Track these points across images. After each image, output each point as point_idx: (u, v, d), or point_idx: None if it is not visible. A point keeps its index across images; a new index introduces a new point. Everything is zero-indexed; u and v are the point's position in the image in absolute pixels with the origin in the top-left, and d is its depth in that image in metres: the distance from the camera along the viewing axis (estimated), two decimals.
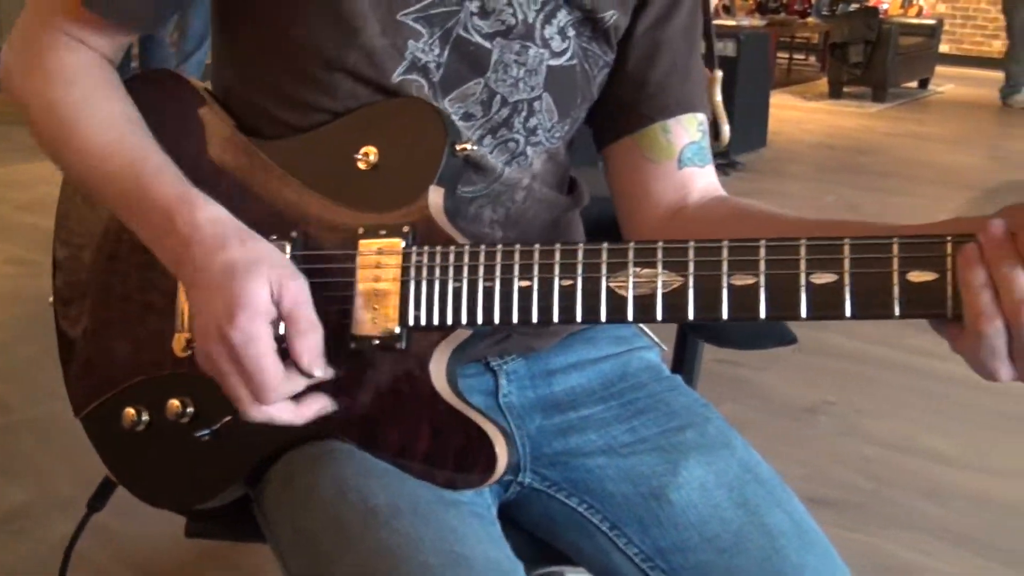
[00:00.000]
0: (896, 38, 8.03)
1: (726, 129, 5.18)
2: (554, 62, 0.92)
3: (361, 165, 0.83)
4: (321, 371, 0.79)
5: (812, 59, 10.23)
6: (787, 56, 10.08)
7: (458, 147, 0.83)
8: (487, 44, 0.89)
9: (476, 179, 0.91)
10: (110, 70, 0.92)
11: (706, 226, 0.95)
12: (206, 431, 0.84)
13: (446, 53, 0.88)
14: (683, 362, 1.31)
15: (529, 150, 0.94)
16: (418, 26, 0.86)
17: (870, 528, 2.14)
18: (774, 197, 4.97)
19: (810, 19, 9.59)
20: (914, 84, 8.88)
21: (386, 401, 0.80)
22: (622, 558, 0.92)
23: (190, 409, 0.87)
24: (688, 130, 0.97)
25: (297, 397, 0.80)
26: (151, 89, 0.94)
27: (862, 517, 2.18)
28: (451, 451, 0.79)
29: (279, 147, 0.88)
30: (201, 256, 0.79)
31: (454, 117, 0.89)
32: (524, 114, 0.92)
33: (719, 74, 5.15)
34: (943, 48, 10.03)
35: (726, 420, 1.03)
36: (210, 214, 0.81)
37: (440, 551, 0.75)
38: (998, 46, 10.67)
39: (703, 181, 0.99)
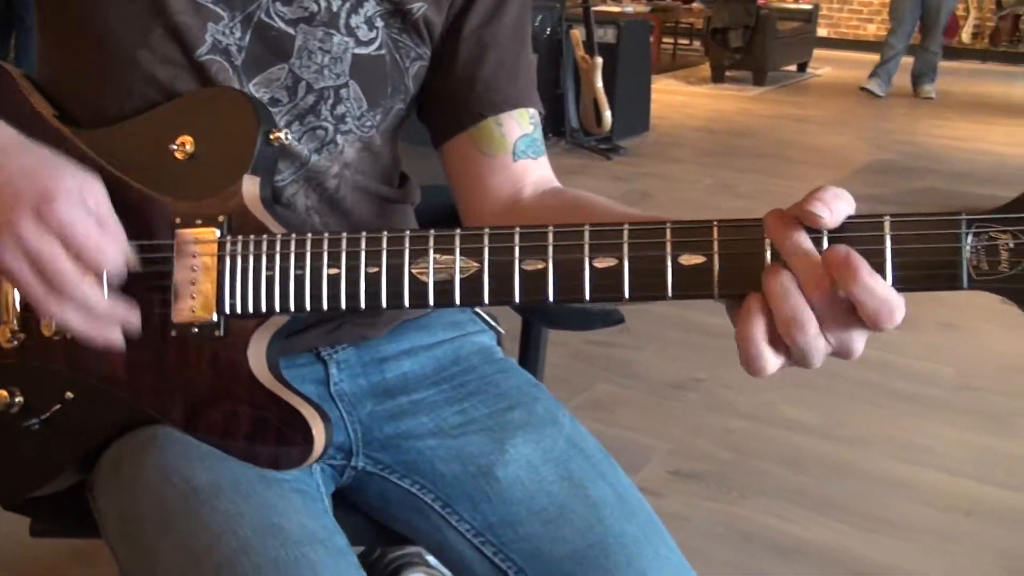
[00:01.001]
0: (774, 23, 8.25)
1: (607, 115, 5.29)
2: (360, 51, 0.94)
3: (178, 155, 0.85)
4: (120, 267, 0.80)
5: (697, 44, 10.43)
6: (672, 42, 10.26)
7: (272, 136, 0.86)
8: (290, 30, 0.91)
9: (283, 166, 0.93)
10: None
11: (539, 217, 0.99)
12: (35, 420, 0.85)
13: (247, 37, 0.90)
14: (527, 345, 1.36)
15: (339, 138, 0.96)
16: (218, 9, 0.89)
17: (732, 496, 2.24)
18: (655, 180, 5.09)
19: (695, 4, 9.79)
20: (793, 67, 9.13)
21: (207, 386, 0.83)
22: (455, 534, 0.96)
23: (19, 399, 0.87)
24: (520, 123, 1.00)
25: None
26: None
27: (724, 487, 2.28)
28: (270, 433, 0.82)
29: (97, 136, 0.89)
30: (11, 156, 0.80)
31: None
32: (331, 101, 0.94)
33: (599, 61, 5.25)
34: (821, 32, 10.33)
35: (555, 399, 1.08)
36: (7, 132, 0.83)
37: (257, 524, 0.78)
38: (873, 29, 11.05)
39: (537, 173, 1.02)
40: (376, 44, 0.95)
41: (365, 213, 1.00)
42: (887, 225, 0.67)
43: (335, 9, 0.93)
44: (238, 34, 0.89)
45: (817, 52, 9.44)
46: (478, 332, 1.12)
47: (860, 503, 2.22)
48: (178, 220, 0.84)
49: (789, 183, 5.12)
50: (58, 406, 0.85)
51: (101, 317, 0.79)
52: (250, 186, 0.84)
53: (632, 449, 2.43)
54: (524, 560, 0.93)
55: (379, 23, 0.95)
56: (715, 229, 0.71)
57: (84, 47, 0.92)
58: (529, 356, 1.35)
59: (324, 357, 1.01)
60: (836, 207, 0.67)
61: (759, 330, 0.68)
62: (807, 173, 5.39)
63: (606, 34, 5.54)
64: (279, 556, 0.77)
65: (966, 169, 5.60)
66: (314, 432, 0.81)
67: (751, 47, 8.15)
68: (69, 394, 0.87)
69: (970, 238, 0.66)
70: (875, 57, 8.22)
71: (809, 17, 9.19)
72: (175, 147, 0.85)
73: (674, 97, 7.75)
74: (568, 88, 5.43)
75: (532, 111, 1.02)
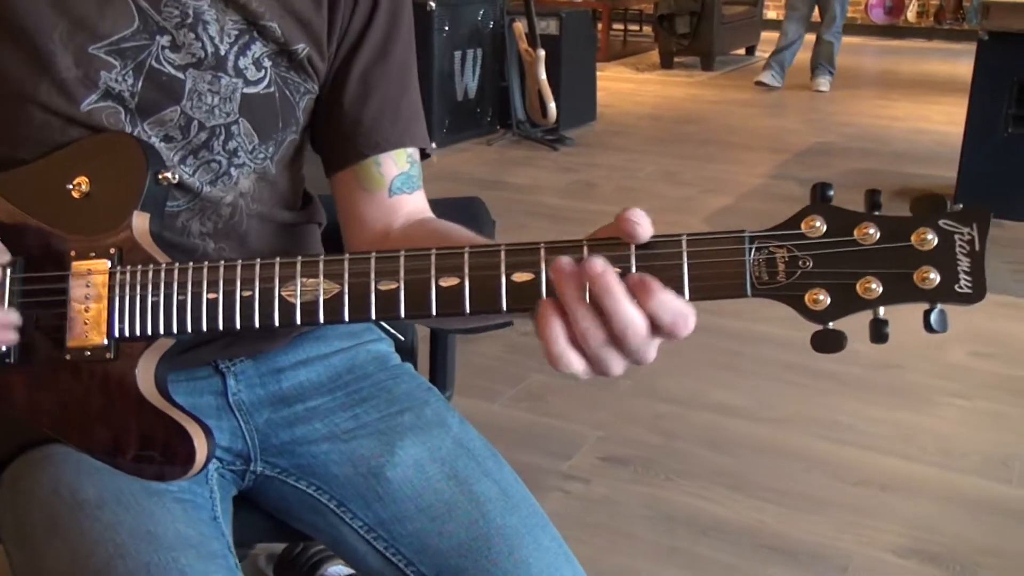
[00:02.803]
0: (720, 8, 8.37)
1: (552, 107, 5.37)
2: (249, 90, 1.02)
3: (75, 194, 0.93)
4: None
5: (648, 30, 10.53)
6: (622, 28, 10.36)
7: (160, 176, 0.94)
8: (180, 75, 0.99)
9: (178, 195, 1.01)
10: None
11: (406, 245, 1.07)
12: None
13: (140, 83, 0.97)
14: (435, 348, 1.44)
15: (233, 170, 1.04)
16: (110, 58, 0.96)
17: (658, 480, 2.33)
18: (599, 170, 5.18)
19: None
20: (742, 51, 9.25)
21: (100, 406, 0.90)
22: (349, 531, 1.05)
23: None
24: (398, 163, 1.09)
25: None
26: None
27: (651, 471, 2.37)
28: (157, 448, 0.90)
29: (2, 179, 0.97)
30: None
31: (154, 139, 0.98)
32: (222, 137, 1.02)
33: (542, 53, 5.33)
34: (770, 14, 10.46)
35: (445, 402, 1.16)
36: None
37: (133, 532, 0.86)
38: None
39: (410, 206, 1.10)
40: (265, 83, 1.03)
41: (263, 238, 1.08)
42: (684, 243, 0.76)
43: (223, 53, 1.00)
44: (131, 80, 0.97)
45: (765, 35, 9.57)
46: (374, 340, 1.20)
47: (779, 481, 2.32)
48: (73, 253, 0.91)
49: (730, 168, 5.25)
50: None
51: None
52: (140, 221, 0.92)
53: (564, 437, 2.53)
54: (413, 553, 1.02)
55: (267, 63, 1.03)
56: (541, 250, 0.79)
57: None
58: (438, 359, 1.44)
59: (222, 369, 1.09)
60: (645, 223, 0.75)
61: (558, 332, 0.75)
62: (749, 158, 5.50)
63: (549, 26, 5.62)
64: (151, 560, 0.85)
65: (906, 148, 5.74)
66: (196, 445, 0.89)
67: (698, 33, 8.26)
68: None
69: (753, 252, 0.76)
70: None
71: (755, 0, 9.31)
72: (71, 187, 0.93)
73: (623, 84, 7.84)
74: (513, 81, 5.51)
75: (411, 150, 1.10)
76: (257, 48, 1.02)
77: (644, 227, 0.75)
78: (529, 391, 2.79)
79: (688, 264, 0.77)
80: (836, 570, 2.02)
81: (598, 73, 6.44)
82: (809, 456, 2.44)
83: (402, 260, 0.82)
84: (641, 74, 8.35)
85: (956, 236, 0.76)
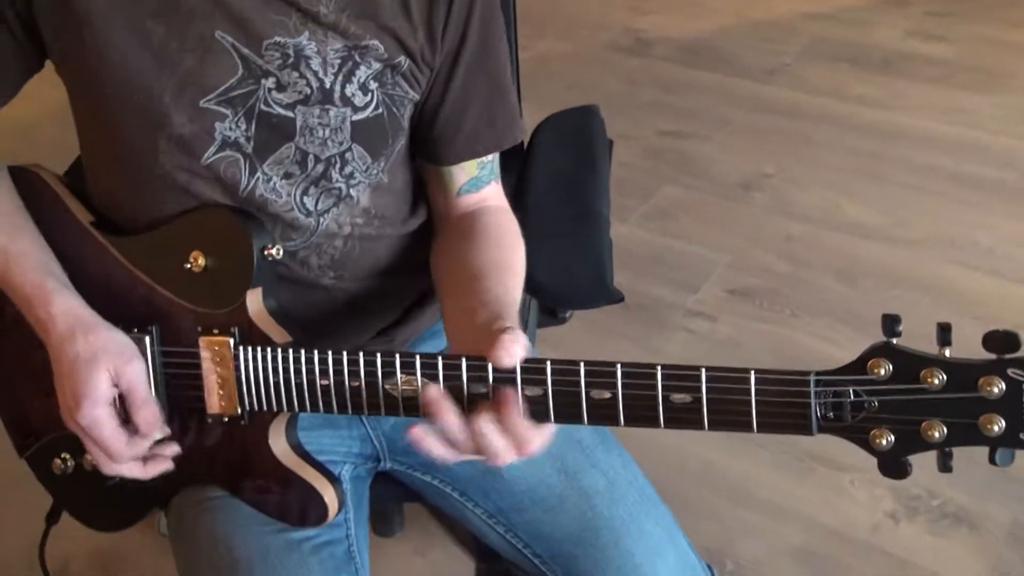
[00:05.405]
0: None
1: None
2: (358, 116, 1.05)
3: (194, 268, 1.01)
4: (159, 433, 1.01)
5: None
6: None
7: (266, 252, 1.01)
8: (289, 113, 1.02)
9: (294, 235, 1.07)
10: None
11: (449, 247, 1.15)
12: (115, 479, 1.08)
13: (253, 127, 1.01)
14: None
15: (352, 192, 1.09)
16: (221, 108, 1.00)
17: (782, 317, 2.38)
18: None
19: None
20: None
21: (241, 463, 1.03)
22: (473, 515, 1.18)
23: None
24: (468, 171, 1.16)
25: (150, 452, 1.02)
26: (16, 184, 1.10)
27: (777, 305, 2.42)
28: (295, 501, 1.03)
29: (127, 245, 1.05)
30: (55, 345, 1.00)
31: (275, 179, 1.04)
32: (338, 165, 1.06)
33: None
34: None
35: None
36: (61, 306, 1.01)
37: None
38: None
39: (473, 199, 1.18)
40: (372, 106, 1.06)
41: (370, 261, 1.14)
42: (752, 380, 0.82)
43: (328, 85, 1.03)
44: (244, 126, 1.01)
45: None
46: None
47: (905, 322, 2.32)
48: (200, 329, 1.00)
49: None
50: None
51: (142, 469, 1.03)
52: (253, 299, 1.00)
53: (692, 264, 2.58)
54: (530, 538, 1.15)
55: (372, 85, 1.05)
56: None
57: (104, 160, 1.06)
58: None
59: None
60: (513, 351, 0.86)
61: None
62: None
63: None
64: None
65: None
66: (327, 501, 1.02)
67: None
68: None
69: (819, 395, 0.79)
70: None
71: None
72: (190, 263, 1.01)
73: None
74: None
75: (480, 159, 1.16)
76: (362, 72, 1.04)
77: (513, 354, 0.87)
78: (660, 208, 2.82)
79: (756, 401, 0.82)
80: None
81: None
82: (939, 287, 2.43)
83: (490, 368, 0.89)
84: None
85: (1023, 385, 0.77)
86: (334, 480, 1.03)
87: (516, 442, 0.88)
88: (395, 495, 1.28)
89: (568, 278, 1.33)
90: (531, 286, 1.13)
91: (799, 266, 2.54)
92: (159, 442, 1.03)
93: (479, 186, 1.17)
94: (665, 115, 3.29)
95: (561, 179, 1.48)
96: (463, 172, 1.16)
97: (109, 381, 0.98)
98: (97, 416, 0.98)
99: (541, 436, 0.90)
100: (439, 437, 0.89)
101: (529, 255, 1.14)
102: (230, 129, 1.01)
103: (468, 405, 0.90)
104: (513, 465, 1.09)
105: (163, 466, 1.03)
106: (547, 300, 1.33)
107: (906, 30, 3.72)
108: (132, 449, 1.00)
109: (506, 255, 1.12)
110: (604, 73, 3.63)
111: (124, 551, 1.88)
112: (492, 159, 1.17)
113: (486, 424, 0.87)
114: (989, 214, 2.68)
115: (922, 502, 1.88)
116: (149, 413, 1.00)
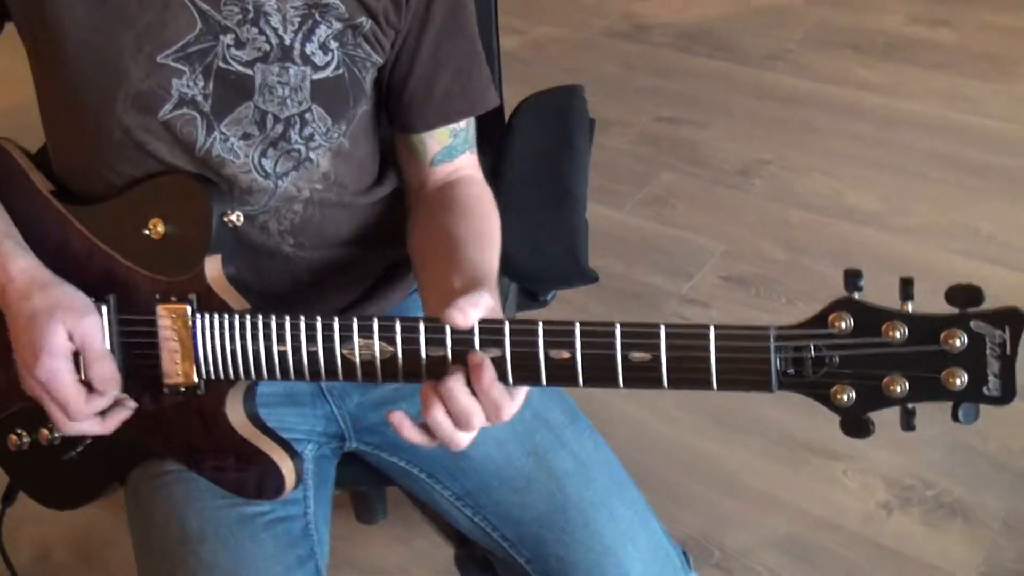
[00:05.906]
0: None
1: None
2: (318, 76, 1.03)
3: (153, 236, 0.99)
4: (115, 390, 0.99)
5: None
6: None
7: (226, 218, 0.99)
8: (248, 71, 1.01)
9: (252, 199, 1.05)
10: None
11: (424, 219, 1.14)
12: (72, 453, 1.06)
13: (211, 84, 1.00)
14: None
15: (312, 155, 1.07)
16: (179, 65, 0.99)
17: (778, 304, 2.35)
18: None
19: None
20: None
21: (199, 433, 1.01)
22: (440, 497, 1.16)
23: (57, 434, 1.06)
24: (440, 140, 1.14)
25: (105, 411, 1.00)
26: None
27: (773, 292, 2.39)
28: (252, 472, 1.01)
29: (87, 214, 1.03)
30: (12, 303, 0.99)
31: (233, 139, 1.02)
32: (298, 126, 1.04)
33: None
34: None
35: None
36: (19, 266, 1.00)
37: (226, 573, 1.00)
38: None
39: (449, 169, 1.16)
40: (333, 66, 1.04)
41: (333, 226, 1.12)
42: (712, 335, 0.79)
43: (288, 42, 1.01)
44: (201, 83, 1.00)
45: None
46: None
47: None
48: (157, 296, 0.99)
49: None
50: (89, 441, 1.05)
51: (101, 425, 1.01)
52: (212, 265, 0.98)
53: (688, 252, 2.55)
54: (498, 520, 1.12)
55: (333, 44, 1.03)
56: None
57: (70, 118, 1.04)
58: None
59: None
60: (468, 311, 0.85)
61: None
62: None
63: None
64: None
65: None
66: (284, 473, 1.00)
67: None
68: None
69: (778, 349, 0.77)
70: None
71: None
72: (149, 230, 0.99)
73: None
74: None
75: (453, 126, 1.14)
76: (322, 31, 1.02)
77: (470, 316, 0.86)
78: (656, 195, 2.79)
79: (716, 357, 0.79)
80: None
81: None
82: (939, 275, 2.39)
83: (448, 331, 0.87)
84: None
85: (987, 338, 0.75)
86: (294, 453, 1.01)
87: (489, 406, 0.86)
88: (366, 479, 1.26)
89: (541, 257, 1.30)
90: (505, 264, 1.11)
91: (797, 253, 2.51)
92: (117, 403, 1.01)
93: (453, 155, 1.15)
94: (663, 101, 3.25)
95: (539, 158, 1.46)
96: (436, 141, 1.14)
97: (66, 335, 0.97)
98: (55, 368, 0.96)
99: (514, 401, 0.88)
100: (416, 423, 0.89)
101: (504, 233, 1.12)
102: (187, 86, 0.99)
103: (431, 368, 0.89)
104: (480, 445, 1.08)
105: (122, 415, 1.01)
106: (520, 279, 1.31)
107: (910, 15, 3.68)
108: (90, 405, 0.98)
109: (483, 224, 1.11)
110: (601, 58, 3.59)
111: (107, 534, 1.87)
112: (466, 127, 1.15)
113: (456, 383, 0.86)
114: (990, 201, 2.64)
115: (916, 492, 1.84)
116: (106, 368, 0.98)
